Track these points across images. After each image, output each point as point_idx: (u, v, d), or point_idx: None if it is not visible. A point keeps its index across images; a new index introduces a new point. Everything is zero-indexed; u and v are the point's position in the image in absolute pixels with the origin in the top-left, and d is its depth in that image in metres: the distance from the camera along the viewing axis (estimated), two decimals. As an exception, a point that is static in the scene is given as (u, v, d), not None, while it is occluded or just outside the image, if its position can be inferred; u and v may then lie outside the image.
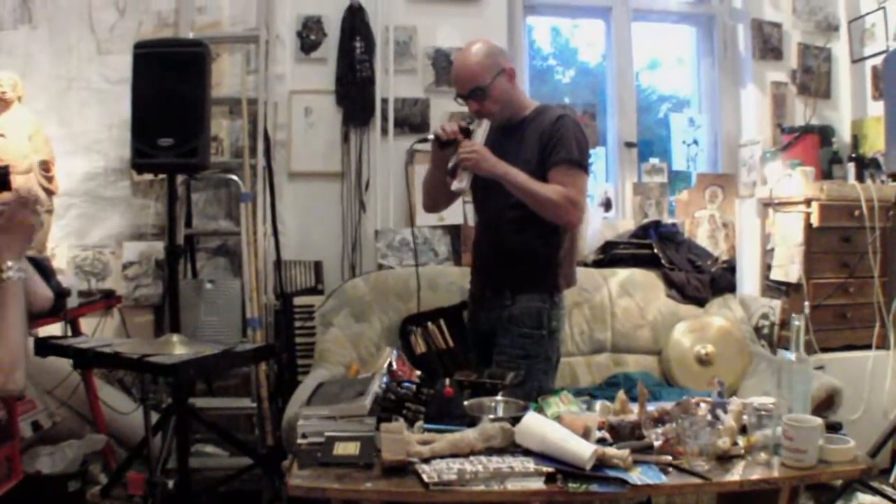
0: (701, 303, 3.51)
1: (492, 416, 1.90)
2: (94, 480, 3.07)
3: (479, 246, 2.61)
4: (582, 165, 2.34)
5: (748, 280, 3.86)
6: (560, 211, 2.28)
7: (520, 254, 2.40)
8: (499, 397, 2.07)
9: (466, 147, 2.26)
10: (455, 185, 2.30)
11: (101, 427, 3.16)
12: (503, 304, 2.42)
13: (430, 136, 2.38)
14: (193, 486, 2.75)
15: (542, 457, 1.70)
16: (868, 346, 3.39)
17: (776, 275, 3.57)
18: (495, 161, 2.26)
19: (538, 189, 2.27)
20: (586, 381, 3.33)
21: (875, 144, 3.67)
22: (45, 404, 3.11)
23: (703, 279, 3.54)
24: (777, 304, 3.52)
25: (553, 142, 2.32)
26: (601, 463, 1.67)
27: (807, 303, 3.36)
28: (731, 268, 3.69)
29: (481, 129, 2.35)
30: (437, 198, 2.59)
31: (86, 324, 3.28)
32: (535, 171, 2.30)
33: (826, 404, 2.88)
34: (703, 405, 1.93)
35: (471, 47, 2.38)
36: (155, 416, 2.88)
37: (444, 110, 3.76)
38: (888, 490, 2.92)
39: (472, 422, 1.88)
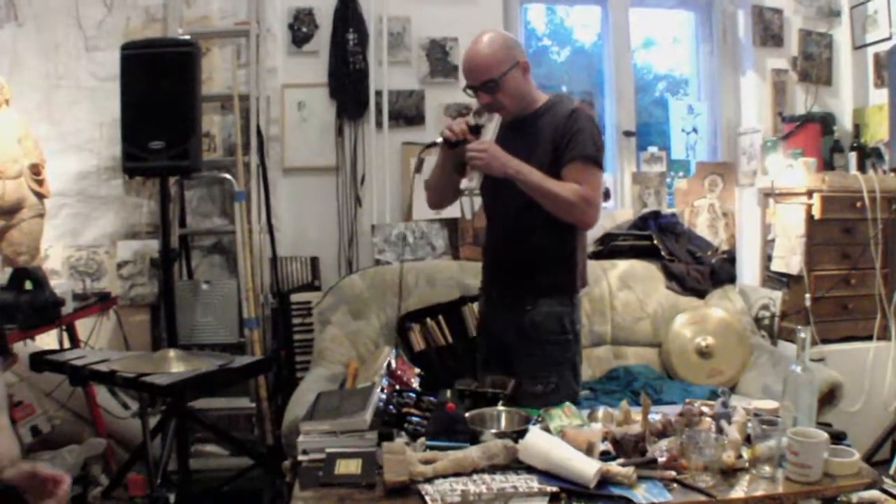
0: (701, 294, 3.49)
1: (494, 430, 1.88)
2: (95, 482, 3.07)
3: (493, 249, 2.47)
4: (597, 162, 2.23)
5: (748, 270, 3.85)
6: (575, 210, 2.17)
7: (538, 258, 2.30)
8: (500, 408, 2.04)
9: (476, 146, 2.14)
10: (464, 184, 2.19)
11: (101, 430, 3.15)
12: (523, 309, 2.31)
13: (439, 140, 2.26)
14: (194, 487, 2.76)
15: (545, 475, 1.68)
16: (869, 338, 3.40)
17: (777, 266, 3.56)
18: (507, 159, 2.14)
19: (553, 188, 2.16)
20: (586, 374, 3.29)
21: (877, 133, 3.63)
22: (44, 408, 3.09)
23: (703, 270, 3.52)
24: (778, 295, 3.50)
25: (567, 137, 2.20)
26: (605, 480, 1.66)
27: (808, 294, 3.35)
28: (731, 258, 3.67)
29: (493, 124, 2.22)
30: (444, 195, 2.49)
31: (82, 325, 3.24)
32: (548, 168, 2.20)
33: (828, 398, 2.88)
34: (706, 414, 1.90)
35: (485, 37, 2.24)
36: (155, 418, 2.89)
37: (440, 102, 3.72)
38: (888, 483, 2.92)
39: (474, 435, 1.86)
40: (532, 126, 2.28)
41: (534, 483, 1.65)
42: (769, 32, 3.90)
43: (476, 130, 2.21)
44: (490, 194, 2.39)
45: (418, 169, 2.41)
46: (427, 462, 1.70)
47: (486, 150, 2.13)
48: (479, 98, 2.25)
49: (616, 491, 1.63)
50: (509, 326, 2.35)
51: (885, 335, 3.40)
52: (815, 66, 3.91)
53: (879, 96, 3.64)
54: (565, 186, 2.17)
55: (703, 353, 3.32)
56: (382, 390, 2.10)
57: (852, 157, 3.68)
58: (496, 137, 2.21)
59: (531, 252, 2.30)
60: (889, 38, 3.57)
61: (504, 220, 2.38)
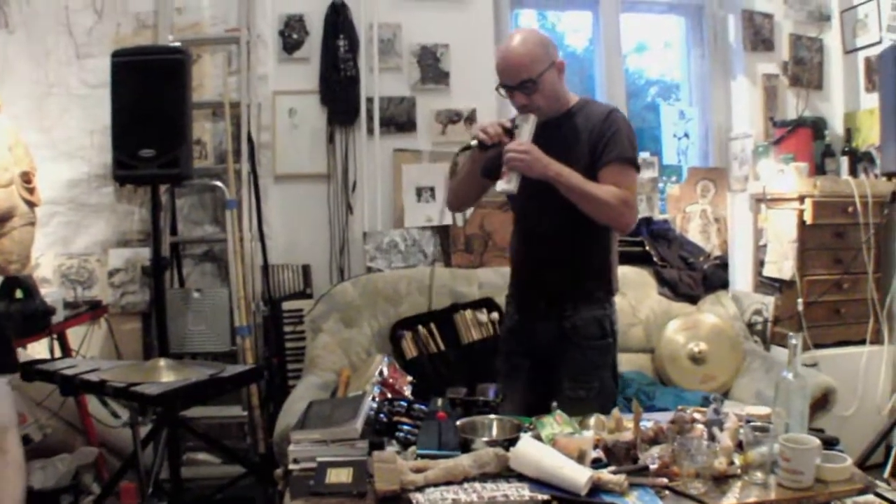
0: (693, 300, 3.49)
1: (485, 439, 1.88)
2: (87, 491, 3.06)
3: (525, 253, 2.39)
4: (634, 163, 2.21)
5: (741, 275, 3.85)
6: (614, 213, 2.13)
7: (576, 263, 2.27)
8: (492, 416, 2.04)
9: (516, 147, 2.07)
10: (502, 187, 2.12)
11: (93, 439, 3.13)
12: (562, 314, 2.27)
13: (473, 143, 2.19)
14: (186, 495, 2.74)
15: (537, 483, 1.68)
16: (862, 342, 3.41)
17: (769, 271, 3.56)
18: (548, 161, 2.08)
19: (593, 190, 2.10)
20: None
21: (868, 137, 3.64)
22: (35, 417, 3.07)
23: (696, 276, 3.52)
24: (770, 300, 3.51)
25: (605, 139, 2.17)
26: (597, 487, 1.65)
27: (800, 299, 3.35)
28: (723, 264, 3.67)
29: (528, 125, 2.15)
30: (467, 198, 2.47)
31: (73, 334, 3.22)
32: (584, 169, 2.15)
33: (821, 403, 2.88)
34: (697, 421, 1.90)
35: (520, 35, 2.19)
36: (146, 427, 2.87)
37: (431, 108, 3.72)
38: (881, 486, 2.92)
39: (465, 443, 1.85)
40: (566, 127, 2.24)
41: (525, 491, 1.64)
42: (760, 37, 3.91)
43: (510, 133, 2.16)
44: (523, 197, 2.22)
45: (453, 172, 2.36)
46: (418, 471, 1.69)
47: (527, 151, 2.07)
48: (515, 99, 2.20)
49: (607, 498, 1.62)
50: (545, 332, 2.30)
51: (877, 339, 3.41)
52: (805, 70, 3.92)
53: (870, 100, 3.63)
54: (604, 189, 2.12)
55: (696, 359, 3.31)
56: (374, 399, 2.09)
57: (844, 161, 3.69)
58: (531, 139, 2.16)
59: (567, 255, 2.26)
60: (879, 43, 3.58)
61: (538, 224, 2.32)
